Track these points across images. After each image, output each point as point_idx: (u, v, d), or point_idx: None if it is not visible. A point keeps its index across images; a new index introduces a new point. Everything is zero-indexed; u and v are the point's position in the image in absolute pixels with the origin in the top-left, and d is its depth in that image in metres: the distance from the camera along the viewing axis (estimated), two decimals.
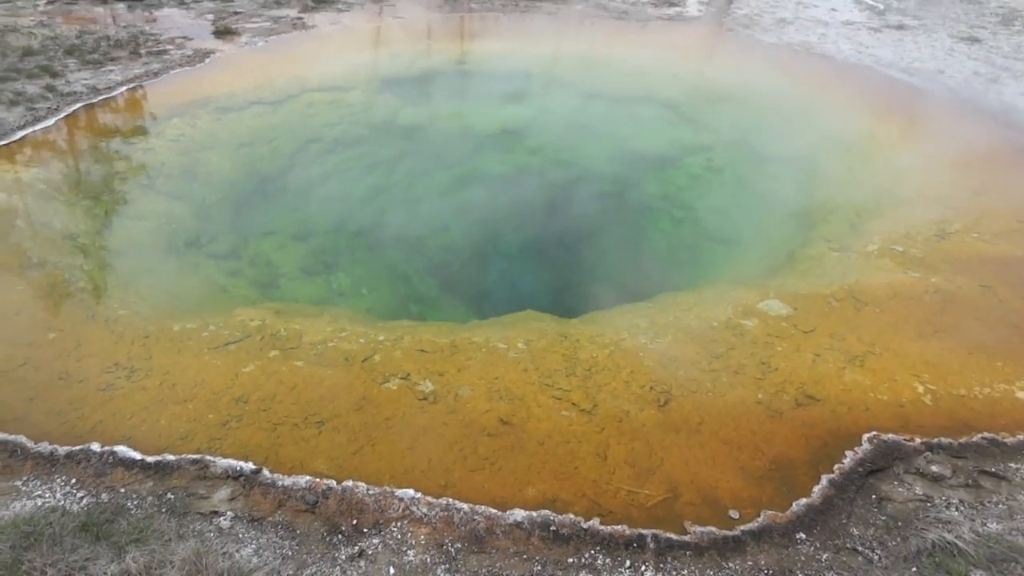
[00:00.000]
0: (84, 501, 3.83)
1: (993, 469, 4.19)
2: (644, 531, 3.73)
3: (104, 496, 3.88)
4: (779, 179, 8.74)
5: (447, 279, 8.28)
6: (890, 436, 4.38)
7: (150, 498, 3.88)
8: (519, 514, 3.82)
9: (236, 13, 14.48)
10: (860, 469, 4.16)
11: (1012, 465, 4.23)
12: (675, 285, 6.96)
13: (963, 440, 4.38)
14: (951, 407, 4.69)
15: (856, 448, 4.31)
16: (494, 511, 3.83)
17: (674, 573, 3.54)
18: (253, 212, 8.42)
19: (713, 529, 3.76)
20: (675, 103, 11.02)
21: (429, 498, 3.90)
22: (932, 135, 9.09)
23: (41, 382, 4.68)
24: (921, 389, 4.83)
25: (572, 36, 13.67)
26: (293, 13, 14.63)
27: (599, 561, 3.59)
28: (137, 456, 4.10)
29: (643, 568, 3.55)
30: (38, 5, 14.91)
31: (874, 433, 4.40)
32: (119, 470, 4.03)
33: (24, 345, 5.01)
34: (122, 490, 3.92)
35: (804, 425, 4.52)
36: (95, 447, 4.15)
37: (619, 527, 3.75)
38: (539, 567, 3.55)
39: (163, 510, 3.80)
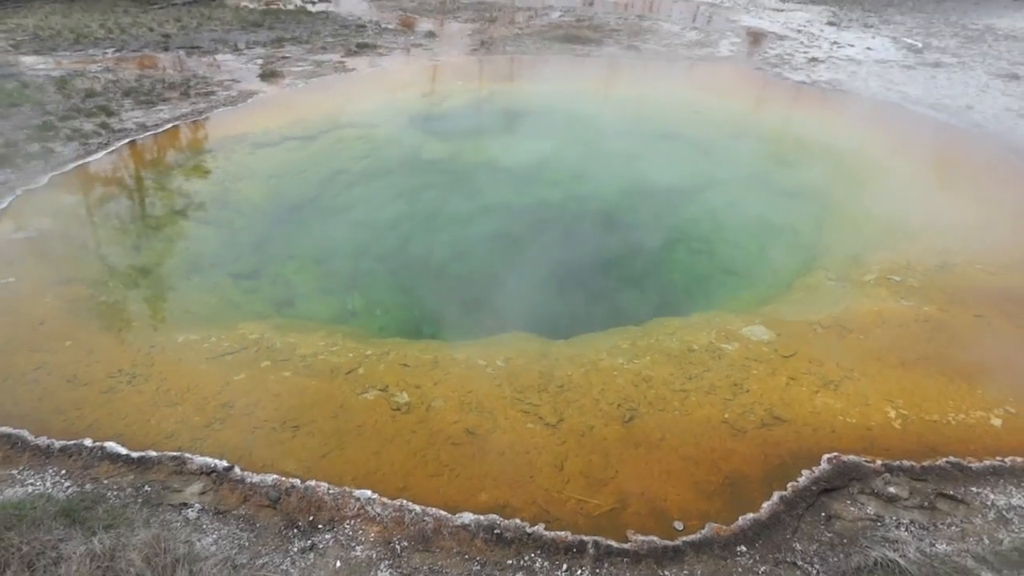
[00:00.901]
0: (69, 490, 4.15)
1: (952, 492, 4.14)
2: (586, 537, 3.83)
3: (88, 486, 4.20)
4: (791, 212, 8.75)
5: (463, 303, 8.46)
6: (850, 457, 4.38)
7: (129, 489, 4.17)
8: (467, 517, 3.96)
9: (284, 58, 15.38)
10: (814, 487, 4.17)
11: (973, 489, 4.17)
12: (673, 311, 7.02)
13: (926, 463, 4.34)
14: (920, 432, 4.64)
15: (814, 467, 4.31)
16: (444, 513, 3.99)
17: (605, 574, 3.61)
18: (278, 237, 8.85)
19: (655, 538, 3.83)
20: (695, 139, 11.17)
21: (384, 499, 4.08)
22: (948, 168, 8.99)
23: (51, 384, 5.08)
24: (893, 414, 4.80)
25: (599, 76, 14.02)
26: (336, 57, 15.45)
27: (537, 564, 3.70)
28: (123, 451, 4.42)
29: (579, 572, 3.65)
30: (107, 53, 16.14)
31: (835, 454, 4.40)
32: (105, 463, 4.35)
33: (42, 351, 5.45)
34: (105, 481, 4.23)
35: (766, 444, 4.55)
36: (87, 442, 4.49)
37: (562, 533, 3.86)
38: (478, 567, 3.69)
39: (139, 500, 4.09)
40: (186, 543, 3.78)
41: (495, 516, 3.97)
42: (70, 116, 11.07)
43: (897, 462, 4.35)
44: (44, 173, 8.81)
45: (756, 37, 17.63)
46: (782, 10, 22.15)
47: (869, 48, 16.17)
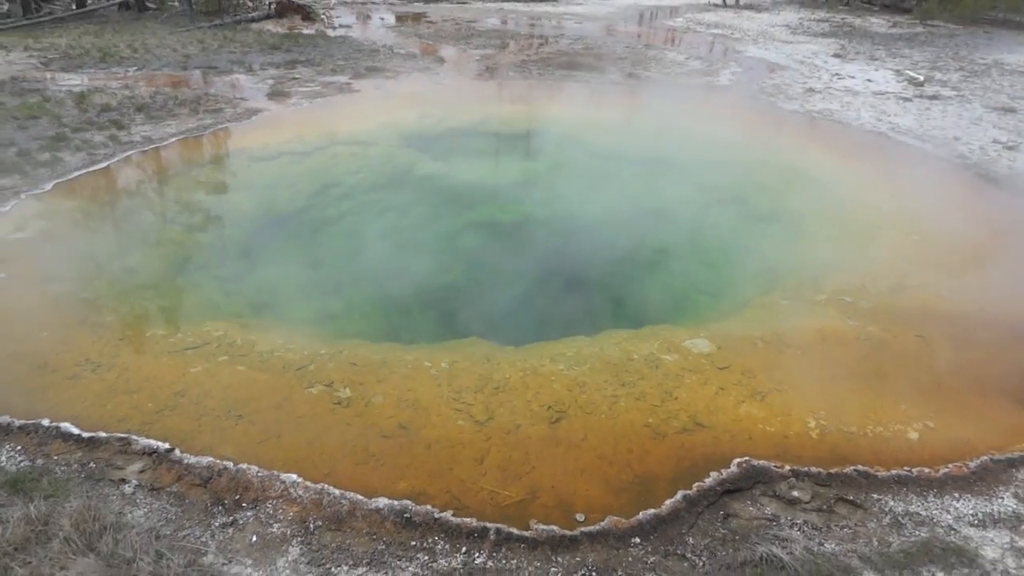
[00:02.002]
0: (21, 463, 4.46)
1: (852, 497, 4.28)
2: (490, 524, 4.04)
3: (40, 461, 4.50)
4: (761, 235, 8.92)
5: (444, 312, 8.67)
6: (760, 462, 4.54)
7: (75, 465, 4.47)
8: (382, 502, 4.20)
9: (294, 79, 15.98)
10: (718, 488, 4.33)
11: (874, 496, 4.30)
12: (634, 324, 7.17)
13: (833, 470, 4.49)
14: (836, 442, 4.79)
15: (723, 470, 4.48)
16: (361, 497, 4.23)
17: (503, 560, 3.82)
18: (266, 244, 9.19)
19: (555, 528, 4.02)
20: (678, 163, 11.41)
21: (308, 483, 4.33)
22: (918, 196, 9.12)
23: (22, 370, 5.44)
24: (813, 424, 4.95)
25: (593, 102, 14.36)
26: (344, 79, 16.01)
27: (439, 546, 3.92)
28: (75, 431, 4.73)
29: (476, 555, 3.86)
30: (128, 71, 16.90)
31: (746, 458, 4.57)
32: (58, 442, 4.67)
33: (19, 341, 5.82)
34: (55, 457, 4.54)
35: (683, 448, 4.73)
36: (45, 422, 4.81)
37: (468, 520, 4.07)
38: (383, 546, 3.91)
39: (82, 475, 4.38)
40: (118, 514, 4.06)
41: (408, 502, 4.20)
42: (83, 128, 11.66)
43: (805, 468, 4.49)
44: (49, 180, 9.31)
45: (758, 67, 17.89)
46: (791, 42, 22.42)
47: (869, 80, 16.35)
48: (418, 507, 4.16)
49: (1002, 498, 4.28)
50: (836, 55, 20.06)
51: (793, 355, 5.82)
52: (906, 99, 14.56)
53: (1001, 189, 9.42)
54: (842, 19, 29.64)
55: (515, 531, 4.00)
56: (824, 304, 6.72)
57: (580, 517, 4.13)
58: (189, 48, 19.99)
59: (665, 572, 3.74)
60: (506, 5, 35.60)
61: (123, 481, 4.36)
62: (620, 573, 3.74)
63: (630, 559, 3.83)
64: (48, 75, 16.04)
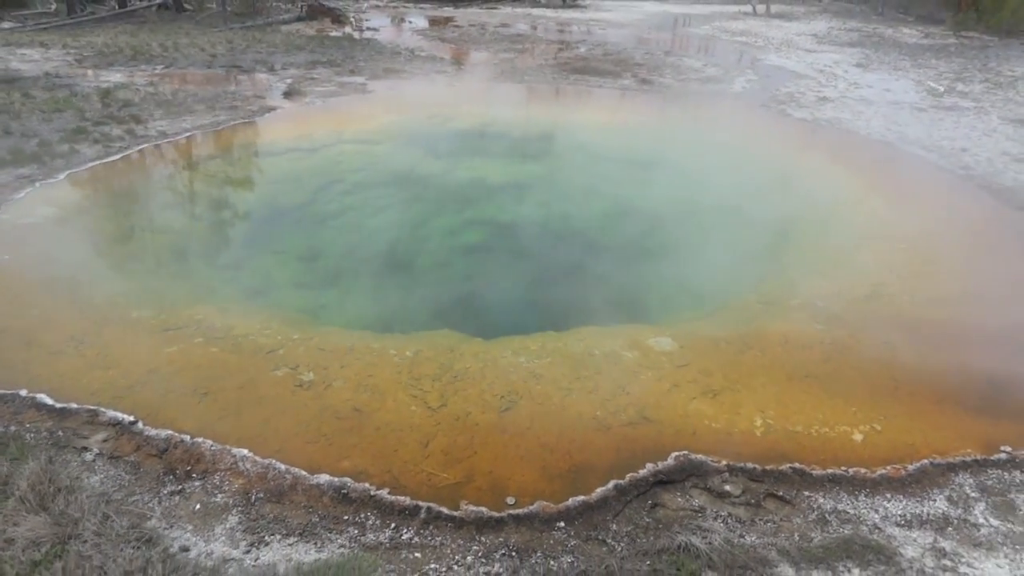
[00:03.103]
0: None
1: (782, 493, 4.34)
2: (422, 503, 4.19)
3: (12, 427, 4.78)
4: (749, 240, 8.93)
5: (439, 305, 8.77)
6: (698, 456, 4.61)
7: (44, 433, 4.74)
8: (323, 478, 4.38)
9: (312, 79, 16.38)
10: (651, 479, 4.42)
11: (806, 493, 4.35)
12: (612, 321, 7.23)
13: (769, 467, 4.54)
14: (778, 440, 4.84)
15: (659, 462, 4.57)
16: (304, 473, 4.41)
17: (429, 537, 3.97)
18: (267, 235, 9.48)
19: (484, 509, 4.16)
20: (670, 166, 11.47)
21: (257, 457, 4.53)
22: (913, 205, 9.04)
23: (8, 345, 5.75)
24: (759, 422, 5.01)
25: (599, 105, 14.47)
26: (361, 80, 16.37)
27: (370, 521, 4.08)
28: (49, 402, 5.01)
29: (404, 530, 4.01)
30: (156, 68, 17.49)
31: (684, 452, 4.65)
32: (32, 411, 4.94)
33: (10, 318, 6.15)
34: (27, 425, 4.81)
35: (625, 440, 4.83)
36: (23, 392, 5.10)
37: (402, 498, 4.23)
38: (317, 518, 4.09)
39: (50, 442, 4.65)
40: (75, 478, 4.30)
41: (348, 479, 4.37)
42: (103, 122, 12.14)
43: (741, 464, 4.56)
44: (64, 170, 9.74)
45: (775, 75, 17.80)
46: (814, 51, 22.24)
47: (887, 90, 16.16)
48: (356, 484, 4.33)
49: (934, 500, 4.30)
50: (858, 64, 19.86)
51: (753, 356, 5.87)
52: (921, 109, 14.38)
53: (1000, 200, 9.29)
54: (873, 29, 29.26)
55: (445, 510, 4.14)
56: (796, 308, 6.74)
57: (511, 500, 4.25)
58: (217, 48, 20.58)
59: (582, 555, 3.85)
60: (534, 11, 35.90)
61: (85, 449, 4.60)
62: (539, 554, 3.86)
63: (551, 542, 3.94)
64: (80, 71, 16.68)
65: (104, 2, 33.92)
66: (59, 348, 5.74)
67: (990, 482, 4.47)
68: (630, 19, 32.45)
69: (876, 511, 4.21)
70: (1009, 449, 4.73)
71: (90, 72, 16.72)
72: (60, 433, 4.74)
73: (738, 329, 6.35)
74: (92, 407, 4.97)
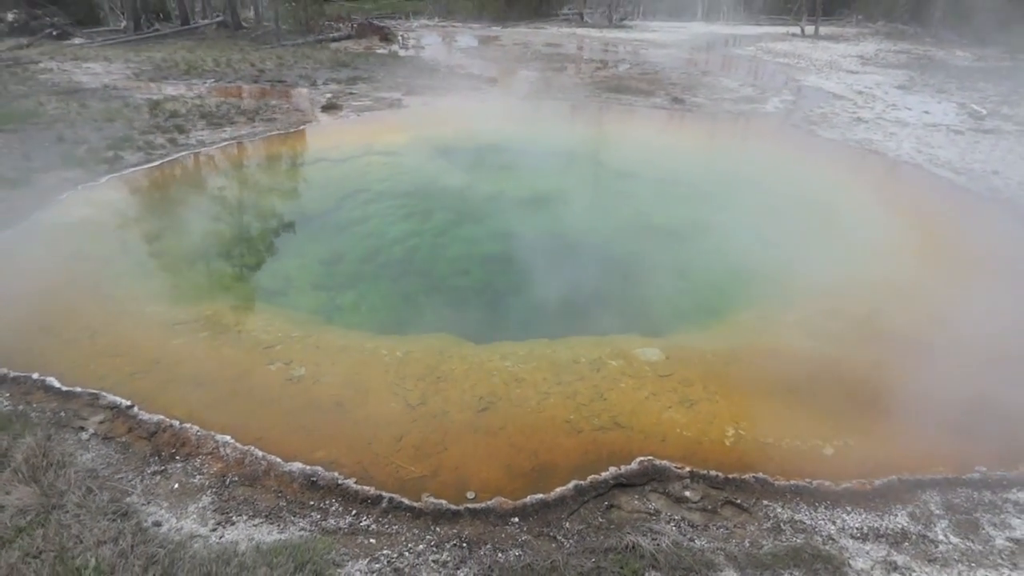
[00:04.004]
0: (5, 407, 5.11)
1: (741, 501, 4.36)
2: (385, 493, 4.36)
3: (21, 407, 5.14)
4: (759, 258, 8.89)
5: (455, 310, 8.87)
6: (662, 462, 4.67)
7: (49, 413, 5.08)
8: (296, 466, 4.59)
9: (350, 94, 16.93)
10: (612, 481, 4.50)
11: (765, 502, 4.37)
12: (605, 330, 7.26)
13: (732, 475, 4.57)
14: (746, 450, 4.86)
15: (623, 466, 4.64)
16: (278, 460, 4.63)
17: (386, 525, 4.13)
18: (290, 240, 9.85)
19: (443, 502, 4.30)
20: (694, 184, 11.48)
21: (238, 444, 4.77)
22: (933, 226, 8.88)
23: (29, 332, 6.16)
24: (731, 433, 5.03)
25: (625, 123, 14.57)
26: (396, 95, 16.84)
27: (333, 508, 4.27)
28: (57, 385, 5.36)
29: (364, 518, 4.18)
30: (206, 83, 18.31)
31: (649, 457, 4.71)
32: (41, 392, 5.30)
33: (33, 307, 6.58)
34: (34, 405, 5.16)
35: (594, 444, 4.91)
36: (34, 375, 5.47)
37: (367, 488, 4.40)
38: (284, 503, 4.30)
39: (52, 421, 4.98)
40: (69, 455, 4.61)
41: (319, 468, 4.56)
42: (149, 132, 12.80)
43: (704, 471, 4.59)
44: (105, 175, 10.35)
45: (811, 96, 17.62)
46: (857, 72, 21.91)
47: (926, 112, 15.82)
48: (326, 473, 4.52)
49: (895, 515, 4.26)
50: (900, 86, 19.48)
51: (738, 368, 5.88)
52: (958, 132, 14.05)
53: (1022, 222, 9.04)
54: (924, 51, 28.63)
55: (406, 501, 4.30)
56: (792, 324, 6.71)
57: (471, 495, 4.39)
58: (267, 63, 21.42)
59: (531, 550, 3.95)
60: (579, 30, 36.25)
61: (82, 429, 4.92)
62: (488, 546, 3.98)
63: (503, 535, 4.06)
64: (135, 84, 17.60)
65: (170, 20, 35.73)
66: (74, 336, 6.12)
67: (958, 500, 4.40)
68: (674, 39, 32.50)
69: (833, 523, 4.20)
70: (983, 469, 4.65)
71: (144, 85, 17.63)
72: (62, 414, 5.07)
73: (729, 342, 6.37)
74: (94, 391, 5.29)
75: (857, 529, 4.16)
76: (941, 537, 4.11)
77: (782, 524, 4.19)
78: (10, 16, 28.39)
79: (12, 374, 5.48)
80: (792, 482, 4.52)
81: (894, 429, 5.15)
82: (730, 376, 5.78)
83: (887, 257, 8.13)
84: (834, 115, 15.33)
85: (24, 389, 5.33)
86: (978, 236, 8.69)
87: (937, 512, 4.30)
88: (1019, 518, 4.28)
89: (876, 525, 4.19)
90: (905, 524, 4.20)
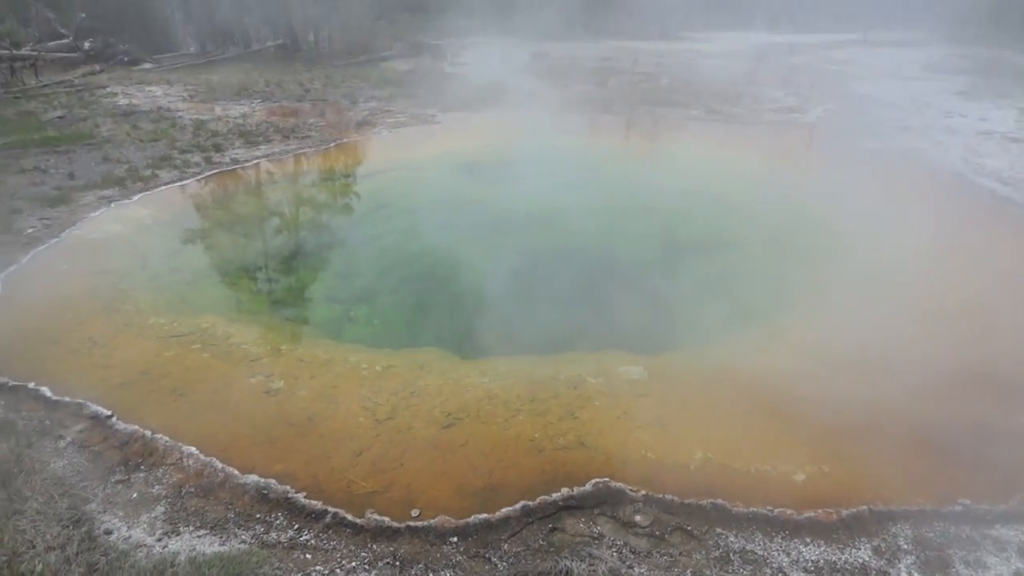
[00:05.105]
0: None
1: (691, 528, 4.17)
2: (330, 508, 4.36)
3: (11, 415, 5.39)
4: (774, 275, 8.58)
5: (472, 324, 8.79)
6: (618, 484, 4.52)
7: (35, 421, 5.31)
8: (251, 478, 4.65)
9: (387, 111, 17.26)
10: (560, 503, 4.38)
11: (718, 530, 4.17)
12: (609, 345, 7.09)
13: (689, 501, 4.38)
14: (711, 475, 4.66)
15: (575, 487, 4.51)
16: (236, 472, 4.70)
17: (326, 541, 4.13)
18: (310, 254, 10.07)
19: (386, 519, 4.27)
20: (721, 195, 11.18)
21: (201, 455, 4.87)
22: (955, 246, 8.37)
23: (37, 343, 6.47)
24: (698, 456, 4.84)
25: (655, 135, 14.34)
26: (432, 111, 17.08)
27: (277, 521, 4.30)
28: (48, 394, 5.60)
29: (305, 532, 4.20)
30: (253, 103, 19.00)
31: (604, 479, 4.57)
32: (31, 401, 5.53)
33: (47, 319, 6.92)
34: (24, 413, 5.40)
35: (554, 464, 4.80)
36: (30, 385, 5.72)
37: (314, 502, 4.42)
38: (233, 515, 4.36)
39: (37, 430, 5.20)
40: (43, 462, 4.81)
41: (272, 481, 4.61)
42: (188, 151, 13.35)
43: (660, 495, 4.42)
44: (139, 192, 10.82)
45: (859, 104, 16.96)
46: (915, 79, 20.98)
47: (982, 119, 14.99)
48: (278, 486, 4.56)
49: (858, 549, 3.99)
50: (960, 93, 18.54)
51: (720, 390, 5.65)
52: (1014, 140, 13.25)
53: None
54: (996, 55, 27.16)
55: (350, 517, 4.29)
56: (787, 344, 6.42)
57: (415, 512, 4.34)
58: (315, 83, 22.08)
59: (462, 571, 3.88)
60: (630, 43, 36.00)
61: (61, 437, 5.11)
62: (420, 565, 3.93)
63: (438, 555, 4.00)
64: (187, 105, 18.41)
65: (235, 43, 37.29)
66: (76, 347, 6.39)
67: (931, 535, 4.09)
68: (727, 50, 31.91)
69: (788, 554, 3.97)
70: (967, 502, 4.31)
71: (196, 106, 18.43)
72: (47, 422, 5.29)
73: (718, 363, 6.14)
74: (80, 401, 5.49)
75: (812, 562, 3.91)
76: (904, 574, 3.82)
77: (731, 554, 3.98)
78: (87, 44, 30.17)
79: (11, 383, 5.75)
80: (751, 509, 4.30)
81: (874, 457, 4.84)
82: (709, 398, 5.57)
83: (907, 281, 7.69)
84: (878, 124, 14.70)
85: (17, 398, 5.59)
86: (1009, 248, 8.14)
87: (905, 547, 4.01)
88: (997, 556, 3.94)
89: (834, 559, 3.94)
90: (866, 559, 3.93)
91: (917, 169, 11.45)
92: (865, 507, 4.29)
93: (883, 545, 4.03)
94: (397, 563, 3.95)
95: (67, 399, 5.53)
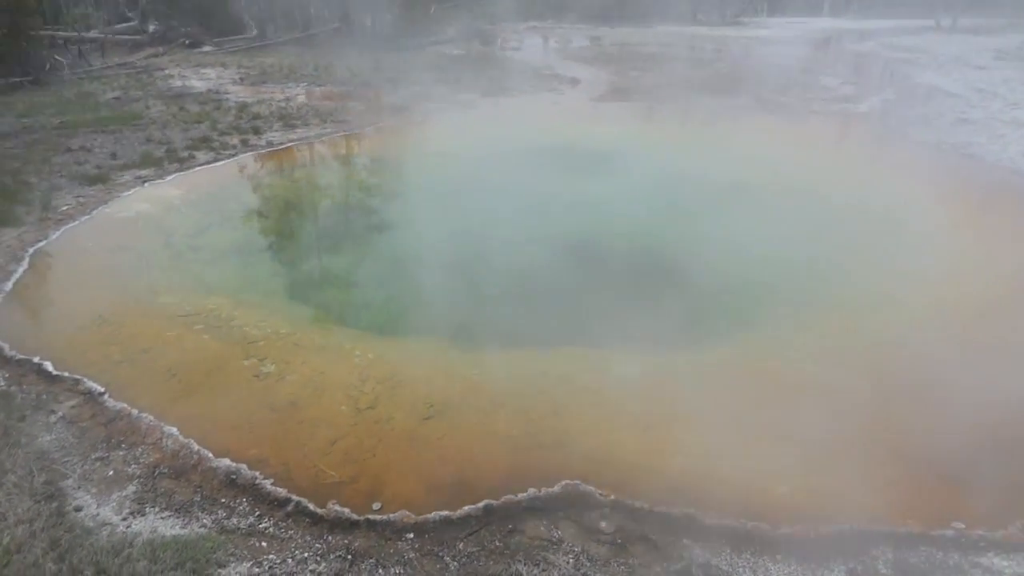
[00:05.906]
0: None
1: (655, 537, 3.98)
2: (294, 497, 4.34)
3: (13, 388, 5.56)
4: (779, 272, 8.16)
5: (478, 314, 8.59)
6: (587, 487, 4.35)
7: (32, 394, 5.46)
8: (223, 462, 4.66)
9: (427, 96, 17.23)
10: (524, 504, 4.24)
11: (685, 541, 3.96)
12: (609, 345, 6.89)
13: (659, 509, 4.19)
14: (689, 483, 4.43)
15: (544, 488, 4.37)
16: (211, 455, 4.72)
17: (283, 529, 4.11)
18: (331, 236, 10.09)
19: (347, 511, 4.21)
20: (762, 187, 10.74)
21: (180, 436, 4.91)
22: (998, 245, 7.80)
23: (49, 319, 6.69)
24: (677, 461, 4.63)
25: (694, 124, 13.87)
26: (472, 96, 16.97)
27: (241, 507, 4.30)
28: (50, 369, 5.75)
29: (265, 520, 4.18)
30: (299, 87, 19.24)
31: (575, 481, 4.41)
32: (33, 375, 5.70)
33: (63, 296, 7.13)
34: (24, 387, 5.56)
35: (528, 462, 4.66)
36: (35, 359, 5.89)
37: (279, 489, 4.40)
38: (199, 498, 4.38)
39: (34, 403, 5.35)
40: (29, 435, 4.93)
41: (243, 466, 4.61)
42: (228, 132, 13.60)
43: (630, 501, 4.24)
44: (173, 172, 11.07)
45: (918, 94, 16.04)
46: (984, 68, 19.73)
47: None
48: (248, 471, 4.55)
49: (831, 570, 3.74)
50: None
51: (716, 392, 5.40)
52: None
53: None
54: None
55: (311, 506, 4.25)
56: (799, 347, 6.10)
57: (376, 506, 4.27)
58: (363, 67, 22.21)
59: (412, 568, 3.80)
60: (688, 29, 35.05)
61: (53, 412, 5.24)
62: (372, 560, 3.86)
63: (391, 551, 3.92)
64: (236, 88, 18.77)
65: (295, 26, 37.92)
66: (85, 325, 6.55)
67: (915, 560, 3.80)
68: (788, 36, 30.71)
69: (754, 572, 3.74)
70: (961, 526, 3.98)
71: (244, 88, 18.78)
72: (44, 396, 5.43)
73: (721, 361, 5.88)
74: (78, 377, 5.62)
75: None
76: None
77: (694, 568, 3.78)
78: (151, 27, 31.16)
79: (17, 357, 5.93)
80: (724, 522, 4.07)
81: (870, 470, 4.52)
82: (703, 400, 5.31)
83: (941, 281, 7.21)
84: (936, 115, 13.87)
85: (21, 372, 5.75)
86: None
87: (884, 572, 3.73)
88: None
89: None
90: None
91: (968, 164, 10.74)
92: (847, 525, 4.01)
93: (860, 568, 3.76)
94: (349, 556, 3.89)
95: (66, 374, 5.66)
